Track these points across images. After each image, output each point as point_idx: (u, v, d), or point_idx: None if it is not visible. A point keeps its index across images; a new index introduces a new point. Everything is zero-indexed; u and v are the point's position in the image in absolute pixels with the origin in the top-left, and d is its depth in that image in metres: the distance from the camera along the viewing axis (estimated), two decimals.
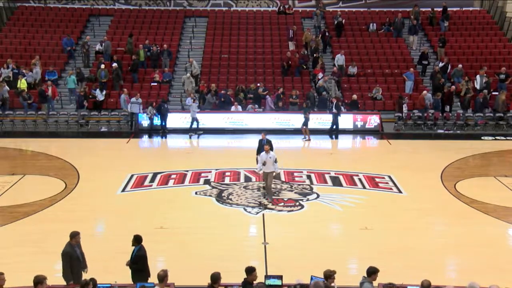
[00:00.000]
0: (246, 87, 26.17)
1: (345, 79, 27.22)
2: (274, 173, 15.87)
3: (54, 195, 15.98)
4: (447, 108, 25.39)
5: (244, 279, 8.88)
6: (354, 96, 25.43)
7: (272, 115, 24.65)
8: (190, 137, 23.47)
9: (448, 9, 31.69)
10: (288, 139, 23.29)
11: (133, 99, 23.92)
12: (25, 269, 10.93)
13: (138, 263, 9.93)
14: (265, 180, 15.81)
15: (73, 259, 9.80)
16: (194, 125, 23.81)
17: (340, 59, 27.73)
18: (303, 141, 23.04)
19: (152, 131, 24.20)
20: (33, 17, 31.71)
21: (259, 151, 16.82)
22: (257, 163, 16.37)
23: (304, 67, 27.82)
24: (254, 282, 8.81)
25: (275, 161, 15.48)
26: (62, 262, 9.79)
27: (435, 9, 31.05)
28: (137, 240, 10.05)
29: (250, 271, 8.87)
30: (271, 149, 16.10)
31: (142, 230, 13.15)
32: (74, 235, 9.90)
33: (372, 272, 8.73)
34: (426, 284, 8.43)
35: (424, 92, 25.26)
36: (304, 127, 23.21)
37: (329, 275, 8.75)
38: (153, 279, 9.79)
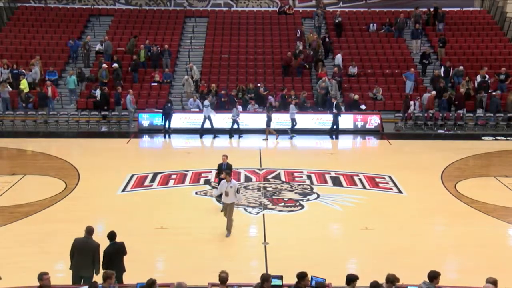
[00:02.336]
0: (246, 87, 26.17)
1: (345, 79, 27.21)
2: (235, 204, 13.64)
3: (54, 195, 15.98)
4: (463, 110, 25.27)
5: (296, 283, 8.80)
6: (356, 96, 25.39)
7: (272, 115, 24.56)
8: (291, 138, 23.46)
9: (449, 9, 31.80)
10: (289, 139, 23.27)
11: (206, 102, 23.70)
12: (25, 269, 10.95)
13: (103, 259, 9.98)
14: (224, 212, 13.59)
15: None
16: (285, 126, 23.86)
17: (338, 58, 27.76)
18: (263, 140, 22.98)
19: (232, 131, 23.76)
20: (33, 17, 31.72)
21: (220, 172, 14.69)
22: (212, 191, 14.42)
23: (307, 66, 27.78)
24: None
25: (237, 191, 13.38)
26: (98, 256, 9.87)
27: (431, 9, 31.01)
28: (108, 236, 10.14)
29: (303, 276, 8.74)
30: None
31: (142, 230, 13.25)
32: (93, 230, 10.06)
33: (433, 277, 8.59)
34: (492, 280, 8.41)
35: (433, 92, 25.23)
36: (268, 127, 23.17)
37: (392, 280, 8.61)
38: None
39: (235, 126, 23.61)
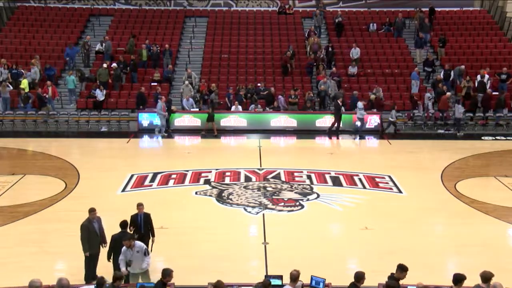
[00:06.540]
0: (246, 87, 26.15)
1: (345, 79, 27.20)
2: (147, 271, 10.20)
3: (54, 195, 15.98)
4: (491, 111, 25.29)
5: (392, 274, 8.76)
6: (372, 96, 25.21)
7: (272, 115, 24.60)
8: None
9: (449, 9, 31.77)
10: (289, 139, 23.28)
11: (360, 105, 23.69)
12: (25, 269, 10.95)
13: (109, 244, 10.86)
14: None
15: (90, 232, 10.74)
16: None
17: (356, 52, 27.81)
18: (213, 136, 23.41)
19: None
20: (33, 17, 31.71)
21: (136, 226, 11.31)
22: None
23: (315, 64, 27.70)
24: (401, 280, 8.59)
25: (146, 253, 10.07)
26: (82, 235, 10.75)
27: (423, 9, 30.84)
28: (120, 224, 10.76)
29: (403, 268, 8.66)
30: (141, 235, 11.03)
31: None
32: (91, 211, 10.95)
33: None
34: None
35: (448, 93, 25.14)
36: (211, 122, 23.59)
37: (490, 277, 8.59)
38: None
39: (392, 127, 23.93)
